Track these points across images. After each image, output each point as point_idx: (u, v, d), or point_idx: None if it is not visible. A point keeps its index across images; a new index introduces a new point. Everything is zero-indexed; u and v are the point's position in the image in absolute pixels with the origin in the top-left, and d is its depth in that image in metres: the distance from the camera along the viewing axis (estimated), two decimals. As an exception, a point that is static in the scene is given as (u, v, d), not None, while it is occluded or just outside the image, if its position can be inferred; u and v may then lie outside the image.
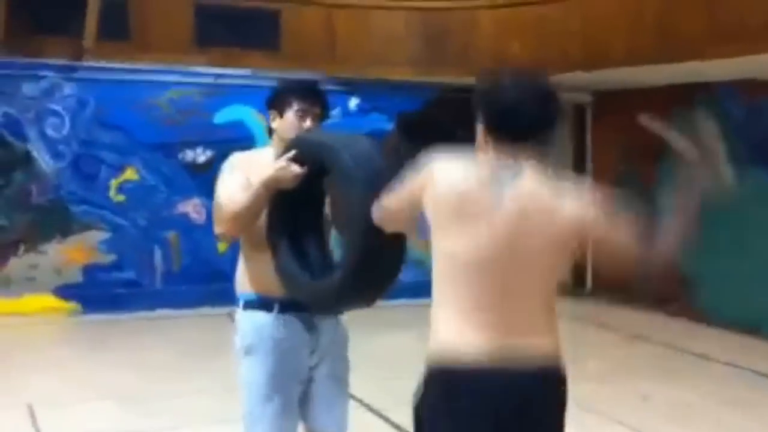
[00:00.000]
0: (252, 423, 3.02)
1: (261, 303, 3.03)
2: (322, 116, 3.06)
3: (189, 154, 8.54)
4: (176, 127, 8.50)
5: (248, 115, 8.68)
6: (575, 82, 8.96)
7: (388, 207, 2.40)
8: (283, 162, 2.83)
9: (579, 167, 10.31)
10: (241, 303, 3.09)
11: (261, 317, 3.02)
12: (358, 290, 2.64)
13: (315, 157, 2.77)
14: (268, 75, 8.03)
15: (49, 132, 8.11)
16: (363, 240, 2.55)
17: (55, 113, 8.13)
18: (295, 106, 3.01)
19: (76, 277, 8.19)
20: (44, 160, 8.09)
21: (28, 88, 8.00)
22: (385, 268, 2.58)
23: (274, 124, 3.07)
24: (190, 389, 5.82)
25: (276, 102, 3.08)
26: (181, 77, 8.50)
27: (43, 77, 8.01)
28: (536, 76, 2.28)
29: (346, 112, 9.09)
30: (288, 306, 2.98)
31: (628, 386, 6.24)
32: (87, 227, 8.24)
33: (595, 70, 7.86)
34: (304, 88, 3.10)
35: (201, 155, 8.58)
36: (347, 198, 2.62)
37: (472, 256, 2.17)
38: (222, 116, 8.71)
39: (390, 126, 9.32)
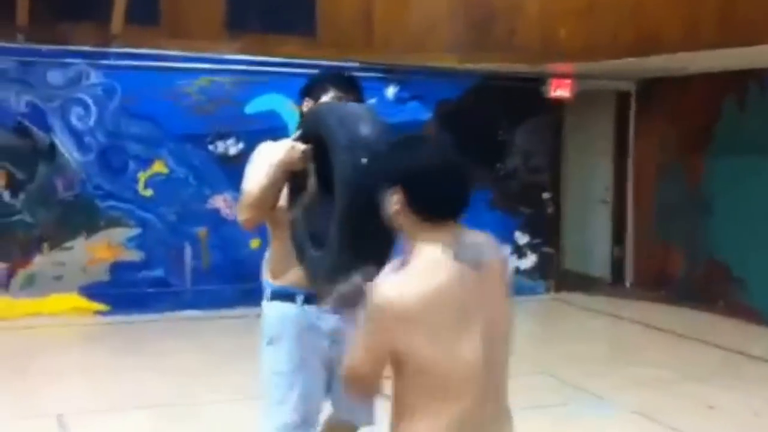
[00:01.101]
0: (275, 410, 3.11)
1: (286, 294, 3.14)
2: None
3: (220, 146, 8.32)
4: (207, 117, 8.28)
5: (282, 104, 8.43)
6: (620, 69, 8.66)
7: (362, 364, 2.19)
8: (290, 142, 2.93)
9: (620, 157, 10.00)
10: (267, 293, 3.22)
11: (286, 308, 3.14)
12: (349, 257, 2.55)
13: (317, 130, 2.79)
14: (303, 62, 7.80)
15: (75, 123, 7.92)
16: (348, 204, 2.55)
17: (81, 103, 7.95)
18: (331, 93, 3.11)
19: (103, 275, 8.00)
20: (69, 153, 7.89)
21: (53, 77, 7.82)
22: (377, 232, 2.38)
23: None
24: (223, 397, 5.60)
25: (312, 89, 3.19)
26: (212, 65, 8.25)
27: (69, 65, 7.79)
28: (446, 146, 2.26)
29: (383, 101, 8.81)
30: (312, 297, 3.03)
31: (690, 392, 5.98)
32: (114, 223, 8.05)
33: (648, 56, 7.53)
34: (340, 76, 3.24)
35: (232, 147, 8.35)
36: (334, 162, 2.62)
37: (467, 362, 2.11)
38: (254, 106, 8.48)
39: (429, 116, 9.01)
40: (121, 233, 8.09)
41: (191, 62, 8.20)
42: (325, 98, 3.10)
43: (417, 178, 2.16)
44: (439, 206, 2.16)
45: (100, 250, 8.03)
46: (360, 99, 3.16)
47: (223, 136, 8.34)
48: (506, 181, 9.44)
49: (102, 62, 7.92)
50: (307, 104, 3.18)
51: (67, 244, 7.90)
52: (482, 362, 2.11)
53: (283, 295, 3.16)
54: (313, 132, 2.84)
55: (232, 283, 8.07)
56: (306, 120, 3.03)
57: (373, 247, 2.51)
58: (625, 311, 8.81)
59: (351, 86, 3.19)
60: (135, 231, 8.12)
